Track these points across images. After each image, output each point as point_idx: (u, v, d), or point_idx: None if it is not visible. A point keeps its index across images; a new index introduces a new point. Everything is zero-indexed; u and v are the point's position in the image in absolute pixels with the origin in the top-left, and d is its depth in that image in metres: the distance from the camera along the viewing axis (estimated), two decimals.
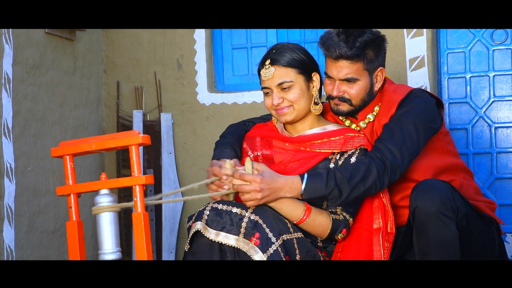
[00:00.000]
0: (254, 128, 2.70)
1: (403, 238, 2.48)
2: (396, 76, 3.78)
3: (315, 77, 2.53)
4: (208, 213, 2.26)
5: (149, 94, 4.32)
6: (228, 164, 2.35)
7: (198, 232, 2.26)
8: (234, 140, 2.61)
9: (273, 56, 2.48)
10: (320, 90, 2.57)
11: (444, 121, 2.65)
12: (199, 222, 2.26)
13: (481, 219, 2.53)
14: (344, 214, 2.43)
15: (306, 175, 2.34)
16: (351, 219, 2.44)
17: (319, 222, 2.39)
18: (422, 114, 2.49)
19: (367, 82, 2.55)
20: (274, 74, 2.46)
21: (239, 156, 2.56)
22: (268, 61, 2.48)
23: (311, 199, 2.36)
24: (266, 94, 2.52)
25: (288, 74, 2.46)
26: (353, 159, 2.48)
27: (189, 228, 2.31)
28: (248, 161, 2.33)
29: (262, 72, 2.49)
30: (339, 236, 2.42)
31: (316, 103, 2.53)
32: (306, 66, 2.50)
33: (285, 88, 2.47)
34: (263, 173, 2.30)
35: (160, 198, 2.29)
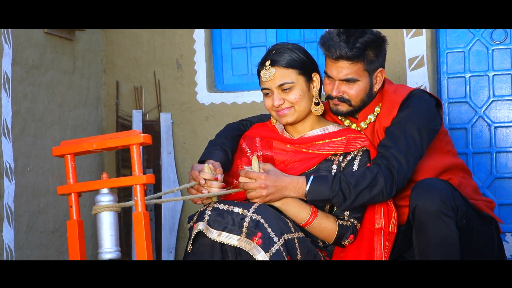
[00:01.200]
0: (253, 128, 2.69)
1: (403, 237, 2.48)
2: (396, 76, 3.78)
3: (315, 77, 2.52)
4: (210, 213, 2.26)
5: (149, 94, 4.32)
6: (207, 169, 2.36)
7: (199, 233, 2.26)
8: (227, 141, 2.60)
9: (273, 57, 2.47)
10: (320, 90, 2.57)
11: (443, 121, 2.66)
12: (201, 223, 2.26)
13: (481, 218, 2.53)
14: (352, 220, 2.44)
15: (312, 177, 2.36)
16: (359, 225, 2.45)
17: (325, 226, 2.40)
18: (424, 116, 2.49)
19: (367, 82, 2.55)
20: (275, 75, 2.45)
21: (230, 157, 2.55)
22: (268, 62, 2.47)
23: (314, 201, 2.37)
24: (266, 95, 2.51)
25: (289, 75, 2.46)
26: (356, 161, 2.48)
27: (190, 228, 2.31)
28: (255, 160, 2.36)
29: (262, 73, 2.48)
30: (347, 242, 2.43)
31: (316, 104, 2.53)
32: (307, 67, 2.49)
33: (286, 89, 2.46)
34: (269, 171, 2.34)
35: (159, 198, 2.29)
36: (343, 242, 2.43)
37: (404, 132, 2.45)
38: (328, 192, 2.33)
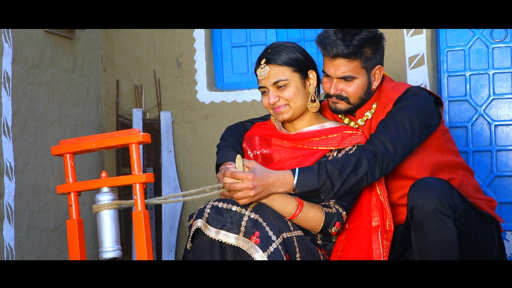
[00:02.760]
0: (253, 127, 2.71)
1: (402, 236, 2.48)
2: (396, 74, 3.78)
3: (312, 74, 2.53)
4: (209, 211, 2.27)
5: (149, 92, 4.32)
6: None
7: (199, 230, 2.27)
8: (235, 142, 2.62)
9: (268, 55, 2.49)
10: (318, 88, 2.58)
11: (443, 119, 2.65)
12: (199, 220, 2.26)
13: (480, 217, 2.53)
14: (337, 207, 2.43)
15: (297, 169, 2.34)
16: (344, 212, 2.43)
17: (312, 216, 2.39)
18: (418, 110, 2.49)
19: (365, 80, 2.55)
20: (269, 73, 2.48)
21: (242, 157, 2.57)
22: (263, 61, 2.50)
23: (304, 193, 2.35)
24: (263, 93, 2.54)
25: (283, 73, 2.47)
26: None
27: (190, 226, 2.31)
28: (238, 159, 2.32)
29: (258, 71, 2.51)
30: (333, 229, 2.41)
31: (313, 101, 2.54)
32: (302, 64, 2.50)
33: (280, 87, 2.48)
34: (255, 170, 2.29)
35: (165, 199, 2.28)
36: (329, 230, 2.41)
37: (395, 121, 2.46)
38: (316, 182, 2.32)
